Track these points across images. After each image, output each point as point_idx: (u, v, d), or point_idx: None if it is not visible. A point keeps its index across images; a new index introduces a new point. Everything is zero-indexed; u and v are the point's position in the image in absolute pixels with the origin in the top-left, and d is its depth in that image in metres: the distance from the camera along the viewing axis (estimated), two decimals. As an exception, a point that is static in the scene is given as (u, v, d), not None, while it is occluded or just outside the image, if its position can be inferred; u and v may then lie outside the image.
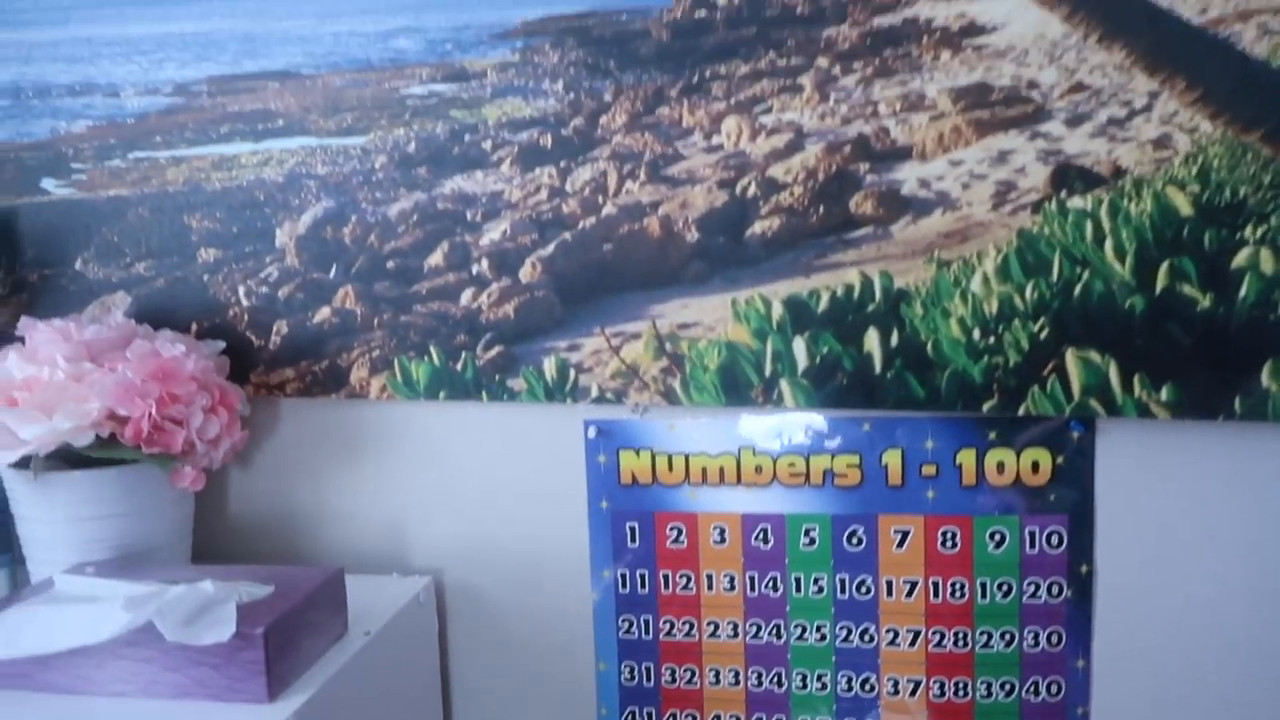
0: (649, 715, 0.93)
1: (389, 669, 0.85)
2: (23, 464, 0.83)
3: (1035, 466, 0.86)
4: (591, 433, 0.91)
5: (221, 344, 0.93)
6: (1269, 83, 0.76)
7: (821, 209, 0.84)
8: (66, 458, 0.84)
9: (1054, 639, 0.86)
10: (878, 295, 0.84)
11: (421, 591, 0.91)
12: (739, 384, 0.87)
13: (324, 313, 0.93)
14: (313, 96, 0.91)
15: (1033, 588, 0.85)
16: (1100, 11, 0.77)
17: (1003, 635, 0.86)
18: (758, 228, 0.85)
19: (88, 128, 0.95)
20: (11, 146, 0.96)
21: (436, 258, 0.91)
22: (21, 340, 0.88)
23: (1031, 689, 0.86)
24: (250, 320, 0.94)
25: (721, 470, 0.89)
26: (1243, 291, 0.78)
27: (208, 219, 0.94)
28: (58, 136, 0.95)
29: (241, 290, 0.94)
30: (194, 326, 0.94)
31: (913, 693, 0.87)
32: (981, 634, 0.86)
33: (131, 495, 0.86)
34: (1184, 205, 0.79)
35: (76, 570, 0.81)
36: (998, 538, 0.85)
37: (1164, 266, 0.79)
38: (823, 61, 0.82)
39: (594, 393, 0.89)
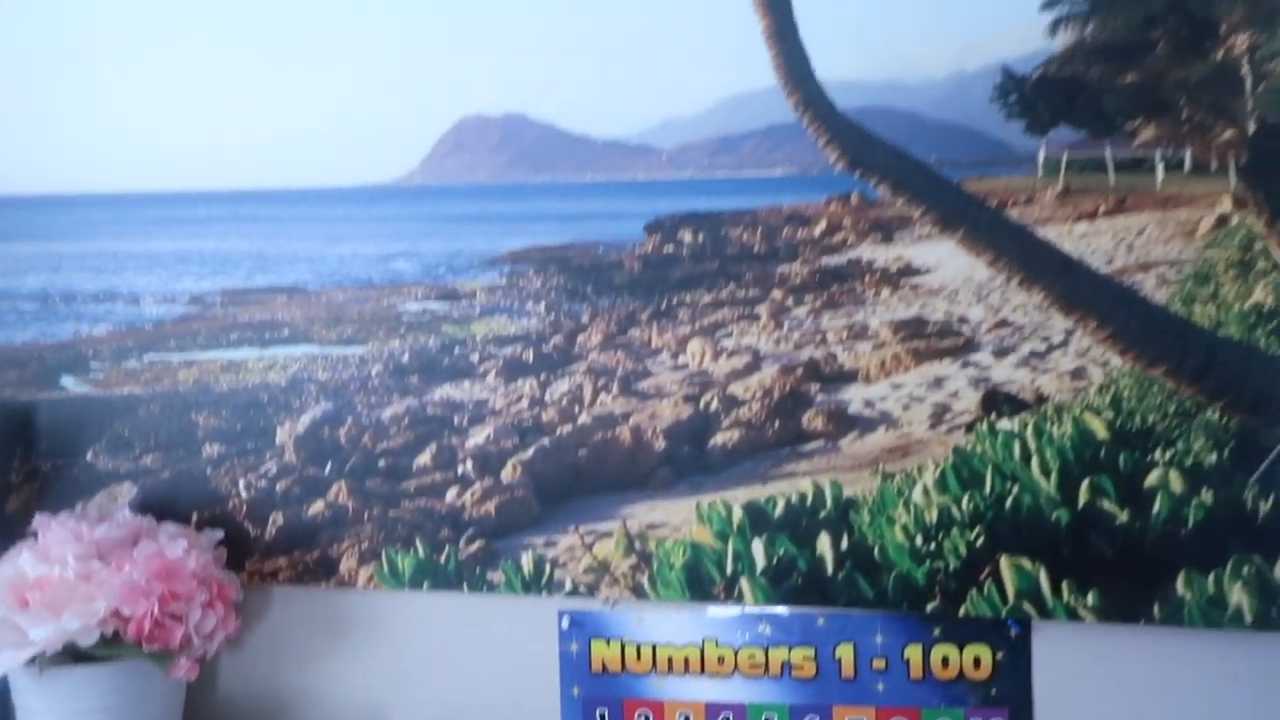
0: None
1: None
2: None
3: (977, 662, 0.92)
4: (565, 623, 0.97)
5: (220, 533, 0.99)
6: (1168, 326, 0.86)
7: (777, 424, 0.92)
8: (67, 655, 0.89)
9: (1000, 836, 0.91)
10: (828, 503, 0.92)
11: (402, 776, 0.96)
12: (703, 581, 0.94)
13: (318, 506, 1.00)
14: (317, 309, 1.00)
15: (977, 781, 0.91)
16: (1020, 259, 0.87)
17: (950, 829, 0.91)
18: (719, 439, 0.94)
19: (108, 331, 1.03)
20: (36, 347, 1.05)
21: (425, 458, 0.98)
22: (34, 535, 0.94)
23: None
24: (248, 511, 1.01)
25: (687, 660, 0.95)
26: (1156, 508, 0.86)
27: (214, 417, 1.01)
28: (79, 338, 1.04)
29: (242, 483, 1.01)
30: (195, 516, 1.01)
31: None
32: (932, 828, 0.91)
33: (129, 688, 0.91)
34: (1100, 430, 0.87)
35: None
36: (943, 732, 0.91)
37: (1085, 484, 0.87)
38: (777, 294, 0.92)
39: (568, 586, 0.96)
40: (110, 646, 0.87)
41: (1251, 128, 0.85)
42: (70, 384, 1.04)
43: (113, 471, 1.03)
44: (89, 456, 1.03)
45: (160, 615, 0.89)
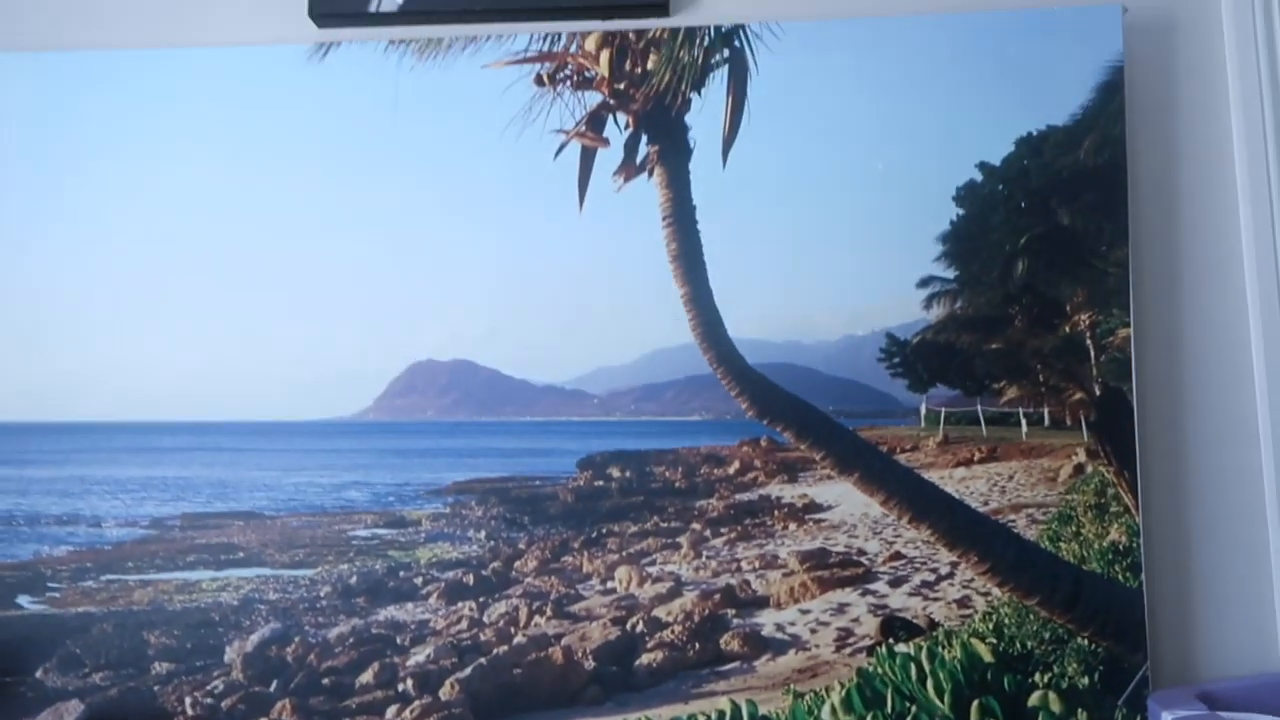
0: None
1: None
2: None
3: None
4: (498, 843, 1.00)
5: (163, 753, 1.02)
6: (1039, 560, 0.98)
7: (697, 645, 1.00)
8: None
9: None
10: (745, 721, 0.99)
11: None
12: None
13: (261, 724, 1.04)
14: (271, 534, 1.07)
15: None
16: (907, 500, 0.99)
17: None
18: (644, 659, 1.01)
19: (68, 552, 1.09)
20: (-4, 565, 1.09)
21: (367, 676, 1.03)
22: (-21, 762, 0.97)
23: None
24: (193, 729, 1.05)
25: None
26: (1039, 727, 0.95)
27: (165, 635, 1.06)
28: (39, 558, 1.09)
29: (188, 701, 1.04)
30: (140, 734, 1.04)
31: None
32: None
33: None
34: (985, 654, 0.97)
35: None
36: None
37: (975, 704, 0.95)
38: (696, 526, 1.02)
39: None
40: None
41: (1097, 390, 1.00)
42: (25, 602, 1.08)
43: (61, 689, 1.06)
44: (38, 674, 1.06)
45: (100, 846, 0.91)
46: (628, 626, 1.02)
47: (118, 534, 1.09)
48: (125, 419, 1.11)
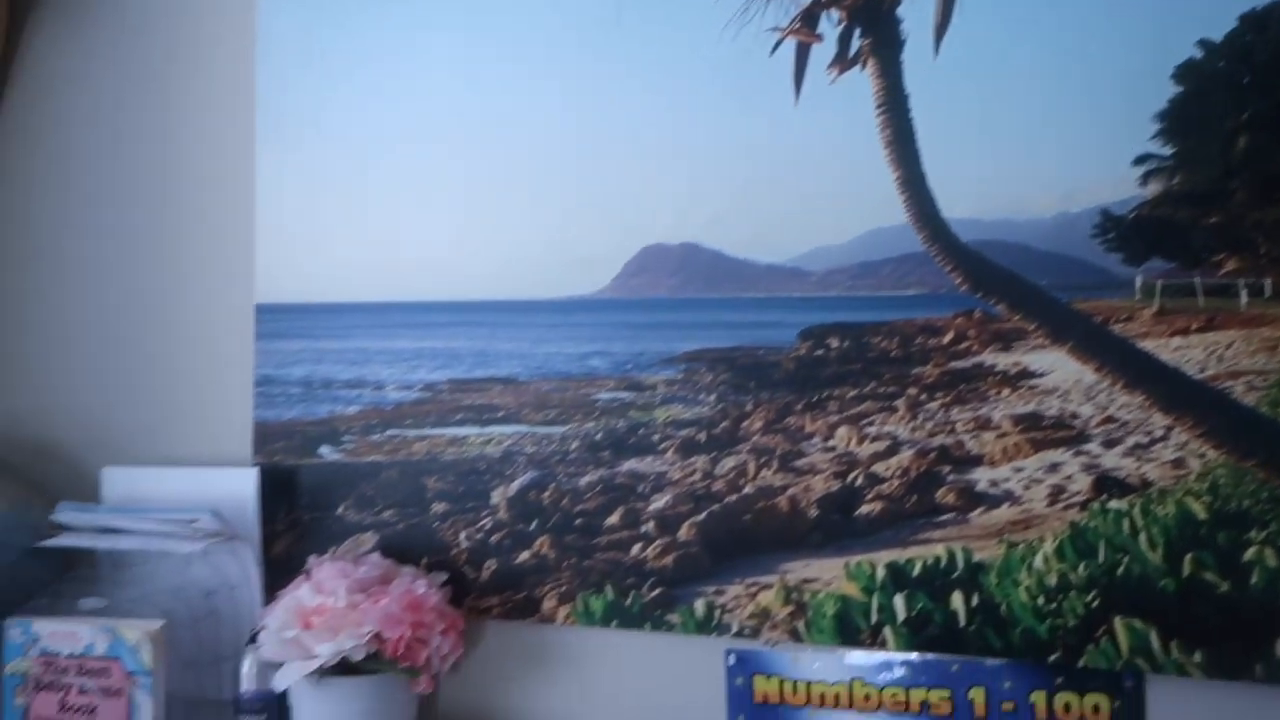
0: None
1: None
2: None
3: (1096, 709, 1.05)
4: (731, 660, 1.14)
5: (445, 575, 1.21)
6: (1258, 425, 1.01)
7: (914, 498, 1.10)
8: (336, 668, 1.11)
9: None
10: (960, 566, 1.08)
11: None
12: (850, 628, 1.11)
13: (524, 555, 1.21)
14: (526, 396, 1.23)
15: (1098, 815, 1.03)
16: (1121, 367, 1.04)
17: None
18: (864, 509, 1.11)
19: (357, 411, 1.28)
20: (299, 423, 1.30)
21: (614, 518, 1.19)
22: (308, 573, 1.17)
23: None
24: (467, 558, 1.23)
25: (837, 697, 1.11)
26: (1254, 579, 1.00)
27: (441, 481, 1.24)
28: (334, 416, 1.29)
29: (462, 535, 1.23)
30: (424, 560, 1.23)
31: None
32: None
33: (382, 696, 1.12)
34: (1200, 510, 1.02)
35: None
36: (1066, 769, 1.04)
37: (1188, 557, 1.01)
38: (912, 391, 1.11)
39: (734, 629, 1.14)
40: (373, 661, 1.09)
41: (1323, 259, 1.01)
42: (326, 452, 1.29)
43: (358, 523, 1.26)
44: (339, 511, 1.27)
45: (411, 639, 1.10)
46: (847, 480, 1.12)
47: (396, 396, 1.28)
48: (398, 299, 1.29)
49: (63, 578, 1.24)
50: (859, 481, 1.12)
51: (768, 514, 1.15)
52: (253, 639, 1.15)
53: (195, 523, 1.18)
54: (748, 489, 1.15)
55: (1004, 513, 1.08)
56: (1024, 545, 1.07)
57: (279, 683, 1.09)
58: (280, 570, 1.27)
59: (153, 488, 1.28)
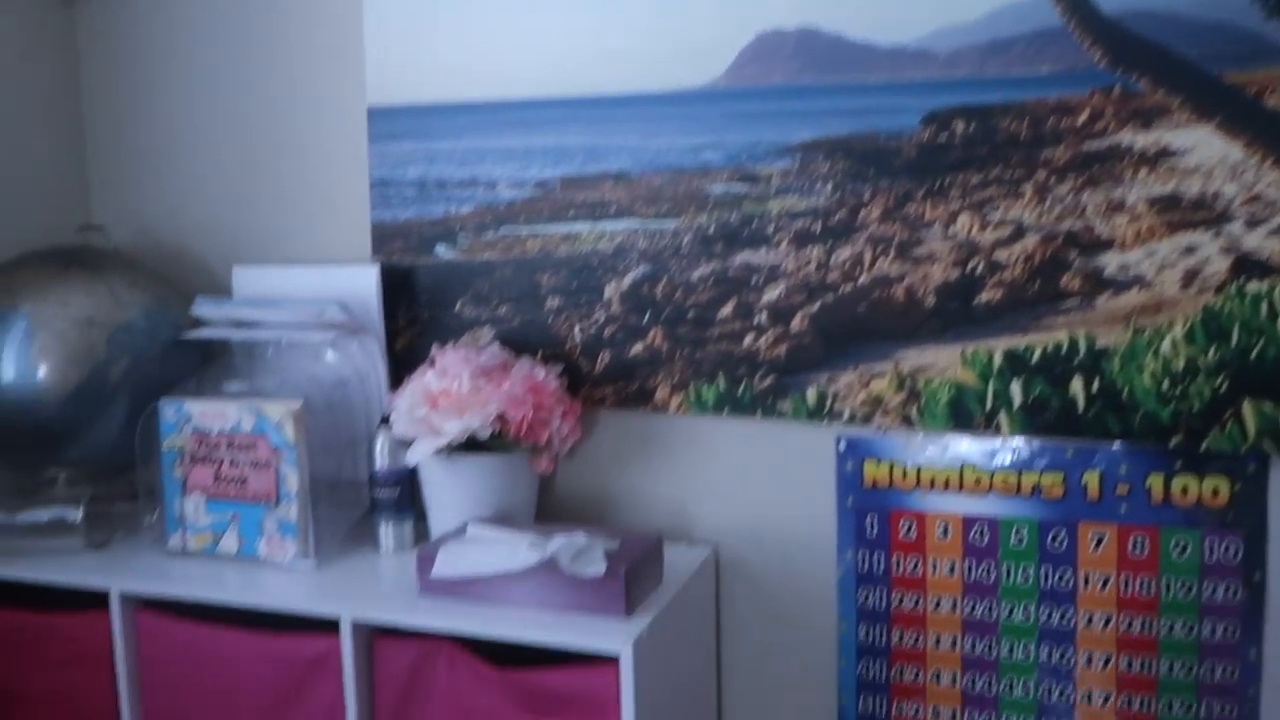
0: (880, 667, 1.17)
1: (687, 610, 1.14)
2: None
3: (1215, 492, 1.05)
4: (842, 446, 1.17)
5: (560, 367, 1.25)
6: None
7: (1037, 284, 1.08)
8: (463, 446, 1.17)
9: (1230, 631, 1.05)
10: (1081, 351, 1.07)
11: (705, 559, 1.20)
12: (964, 414, 1.12)
13: (637, 348, 1.24)
14: (638, 191, 1.23)
15: (1211, 589, 1.05)
16: (1273, 142, 0.98)
17: (1185, 625, 1.06)
18: (984, 297, 1.10)
19: (471, 210, 1.30)
20: (416, 223, 1.33)
21: (727, 310, 1.20)
22: (432, 361, 1.23)
23: (1208, 671, 1.05)
24: (581, 351, 1.26)
25: (947, 480, 1.14)
26: (1395, 359, 0.97)
27: (554, 277, 1.26)
28: (449, 215, 1.31)
29: (576, 329, 1.26)
30: (539, 354, 1.27)
31: (1104, 665, 1.08)
32: (1166, 623, 1.06)
33: (506, 473, 1.18)
34: (1344, 290, 0.98)
35: (475, 523, 1.13)
36: (1181, 546, 1.05)
37: (1326, 338, 0.99)
38: (1041, 174, 1.07)
39: (845, 416, 1.16)
40: (498, 440, 1.15)
41: None
42: (442, 251, 1.31)
43: (475, 319, 1.30)
44: (456, 308, 1.31)
45: (533, 419, 1.15)
46: (968, 268, 1.11)
47: (509, 194, 1.29)
48: (509, 97, 1.28)
49: (203, 369, 1.32)
50: (979, 269, 1.11)
51: (883, 303, 1.14)
52: (384, 421, 1.22)
53: (324, 313, 1.23)
54: (863, 279, 1.15)
55: (1132, 297, 1.06)
56: (1151, 330, 1.05)
57: (411, 458, 1.16)
58: (403, 366, 1.32)
59: (280, 285, 1.34)
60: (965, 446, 1.13)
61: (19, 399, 1.18)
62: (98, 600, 1.18)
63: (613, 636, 0.97)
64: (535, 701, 1.01)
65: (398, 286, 1.34)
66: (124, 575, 1.16)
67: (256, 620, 1.12)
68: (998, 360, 1.10)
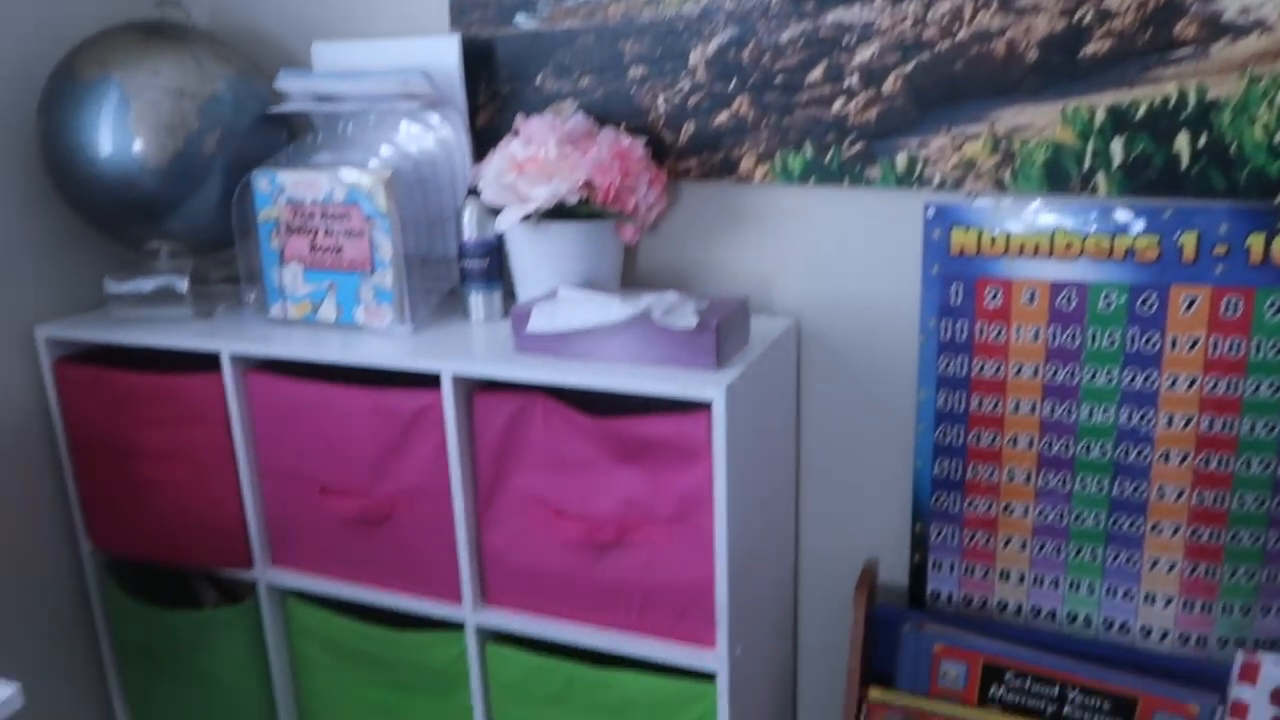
0: (958, 432, 1.21)
1: (771, 371, 1.17)
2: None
3: (1317, 251, 1.03)
4: (930, 213, 1.16)
5: (644, 138, 1.24)
6: None
7: (1149, 33, 1.02)
8: (550, 214, 1.18)
9: (1315, 388, 1.05)
10: (1190, 104, 1.03)
11: (787, 328, 1.22)
12: (1060, 175, 1.09)
13: (723, 116, 1.22)
14: (727, -55, 1.17)
15: (1304, 347, 1.05)
16: None
17: (1271, 385, 1.06)
18: (1090, 49, 1.05)
19: (551, -27, 1.26)
20: (494, -11, 1.29)
21: (816, 74, 1.16)
22: (515, 132, 1.22)
23: (1290, 427, 1.07)
24: (665, 122, 1.25)
25: (1036, 246, 1.13)
26: None
27: (638, 44, 1.23)
28: (528, -19, 1.27)
29: (660, 99, 1.24)
30: (622, 125, 1.26)
31: (1185, 426, 1.10)
32: (1252, 383, 1.07)
33: (592, 241, 1.20)
34: None
35: (565, 287, 1.16)
36: (1276, 307, 1.04)
37: None
38: (1166, -95, 0.99)
39: (936, 181, 1.14)
40: (585, 206, 1.16)
41: None
42: (522, 20, 1.28)
43: (556, 91, 1.29)
44: (537, 81, 1.29)
45: (620, 186, 1.16)
46: (1074, 18, 1.05)
47: (590, -44, 1.25)
48: None
49: (290, 143, 1.33)
50: (1087, 18, 1.05)
51: (982, 59, 1.10)
52: (472, 192, 1.23)
53: (409, 84, 1.23)
54: (962, 34, 1.10)
55: (1251, 43, 1.00)
56: (1268, 78, 1.00)
57: (499, 225, 1.18)
58: (484, 143, 1.32)
59: (360, 59, 1.33)
60: (1058, 210, 1.11)
61: (119, 171, 1.21)
62: (209, 363, 1.26)
63: (705, 385, 1.01)
64: (628, 448, 1.07)
65: (477, 60, 1.32)
66: (232, 339, 1.23)
67: (358, 380, 1.19)
68: (1100, 117, 1.06)
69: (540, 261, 1.21)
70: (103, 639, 1.47)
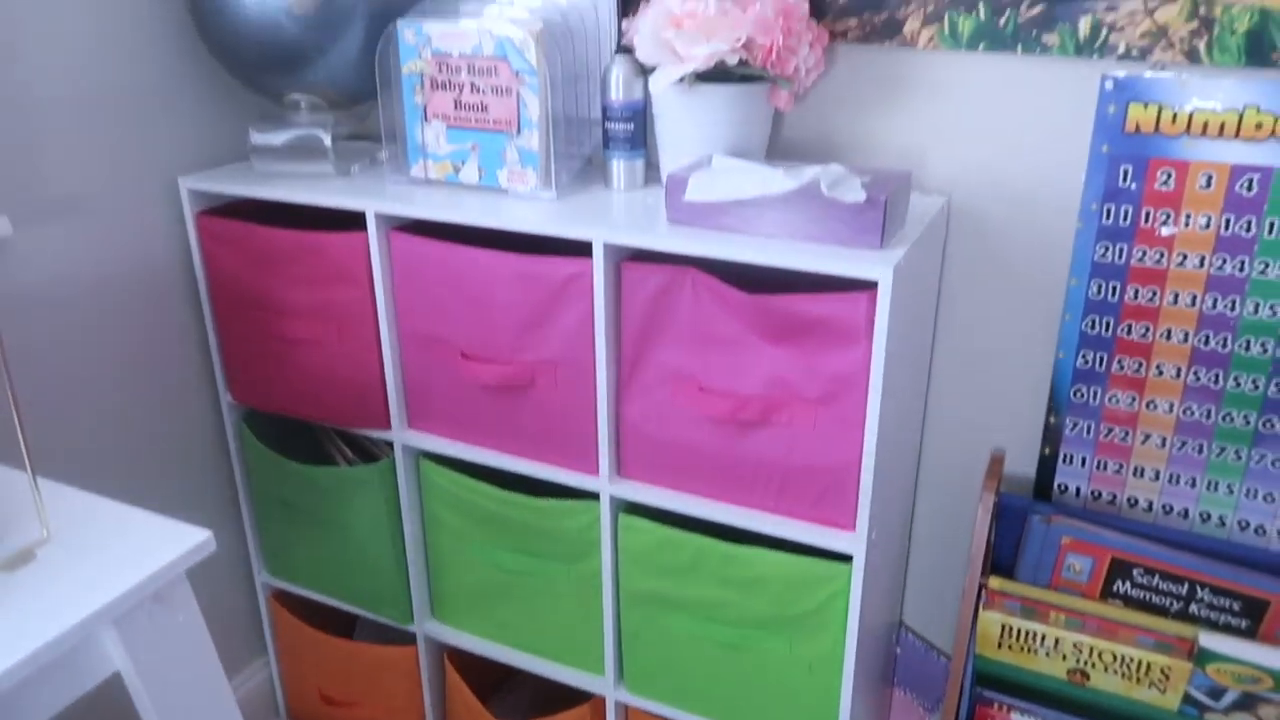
0: (1107, 324, 1.18)
1: (927, 251, 1.14)
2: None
3: None
4: (1108, 85, 1.09)
5: (804, -7, 1.17)
6: None
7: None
8: (704, 76, 1.13)
9: None
10: None
11: (941, 206, 1.18)
12: (1263, 47, 1.01)
13: (889, -26, 1.15)
14: None
15: None
16: None
17: None
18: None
19: None
20: None
21: (999, -74, 1.08)
22: (669, -15, 1.16)
23: None
24: (825, -22, 1.18)
25: (1222, 125, 1.06)
26: None
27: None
28: None
29: (821, -48, 1.16)
30: (777, -17, 1.19)
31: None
32: None
33: (742, 104, 1.15)
34: None
35: (720, 156, 1.12)
36: None
37: None
38: None
39: (1120, 50, 1.07)
40: (743, 68, 1.11)
41: None
42: None
43: (707, -58, 1.22)
44: (687, -71, 1.22)
45: (782, 46, 1.10)
46: None
47: None
48: None
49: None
50: None
51: (1192, -87, 1.01)
52: (621, 50, 1.18)
53: (556, -72, 1.16)
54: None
55: None
56: None
57: (653, 86, 1.13)
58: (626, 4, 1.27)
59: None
60: (1255, 85, 1.03)
61: (264, 18, 1.17)
62: (352, 220, 1.26)
63: (873, 264, 0.98)
64: (780, 327, 1.05)
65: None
66: (378, 198, 1.22)
67: (499, 244, 1.19)
68: (1320, -19, 0.98)
69: (688, 127, 1.17)
70: (240, 488, 1.54)
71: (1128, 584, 1.18)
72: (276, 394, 1.40)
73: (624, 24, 1.18)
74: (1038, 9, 1.09)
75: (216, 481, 1.53)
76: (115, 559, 0.82)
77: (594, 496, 1.24)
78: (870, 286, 0.99)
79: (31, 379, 1.25)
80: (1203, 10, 1.03)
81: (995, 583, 1.20)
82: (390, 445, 1.37)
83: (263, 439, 1.47)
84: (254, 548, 1.58)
